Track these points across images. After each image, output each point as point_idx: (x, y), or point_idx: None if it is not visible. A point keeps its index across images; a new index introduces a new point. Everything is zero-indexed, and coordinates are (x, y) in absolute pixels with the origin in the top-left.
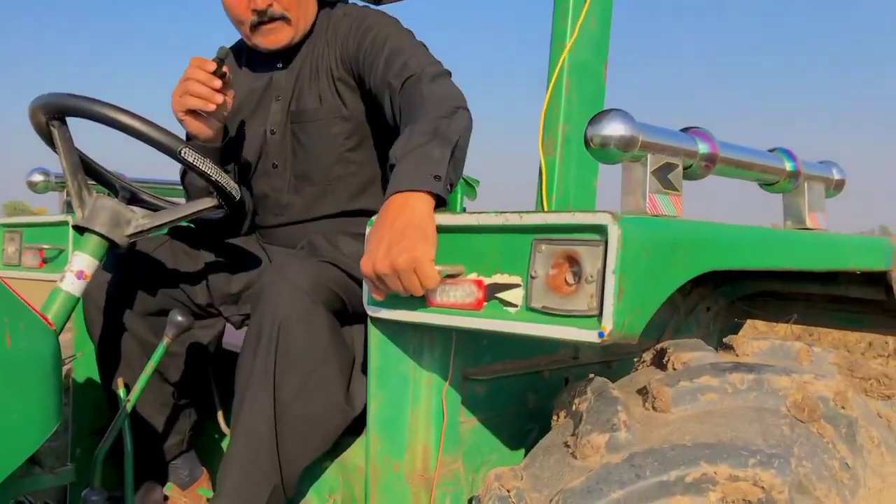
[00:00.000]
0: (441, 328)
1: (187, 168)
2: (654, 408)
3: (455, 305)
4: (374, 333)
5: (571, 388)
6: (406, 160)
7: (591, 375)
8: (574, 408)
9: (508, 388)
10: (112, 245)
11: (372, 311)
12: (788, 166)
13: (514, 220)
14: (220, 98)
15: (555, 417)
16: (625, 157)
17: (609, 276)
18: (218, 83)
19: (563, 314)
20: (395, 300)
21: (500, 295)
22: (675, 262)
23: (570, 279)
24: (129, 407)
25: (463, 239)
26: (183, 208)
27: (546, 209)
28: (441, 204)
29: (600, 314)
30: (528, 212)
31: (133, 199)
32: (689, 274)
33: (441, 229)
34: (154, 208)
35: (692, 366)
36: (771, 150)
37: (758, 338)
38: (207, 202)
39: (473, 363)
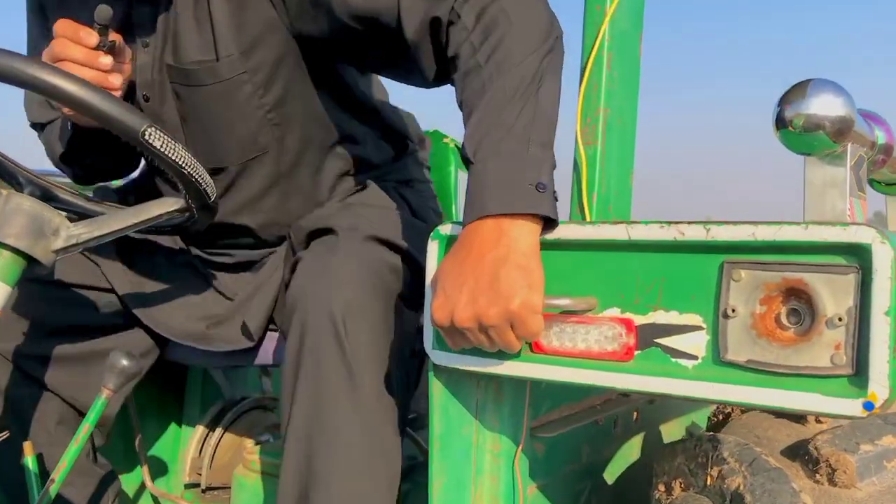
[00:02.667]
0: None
1: (151, 156)
2: (830, 482)
3: (585, 355)
4: (437, 389)
5: (686, 450)
6: (492, 159)
7: (706, 433)
8: (710, 481)
9: (567, 441)
10: (31, 263)
11: (438, 359)
12: None
13: (694, 234)
14: (115, 82)
15: (660, 487)
16: (835, 148)
17: (878, 319)
18: (107, 62)
19: (787, 372)
20: None
21: (665, 341)
22: None
23: (787, 320)
24: (53, 491)
25: (596, 259)
26: (136, 213)
27: (587, 213)
28: (550, 225)
29: (859, 373)
30: (718, 222)
31: (45, 199)
32: None
33: (563, 245)
34: (77, 211)
35: (857, 420)
36: None
37: None
38: (172, 203)
39: (532, 413)
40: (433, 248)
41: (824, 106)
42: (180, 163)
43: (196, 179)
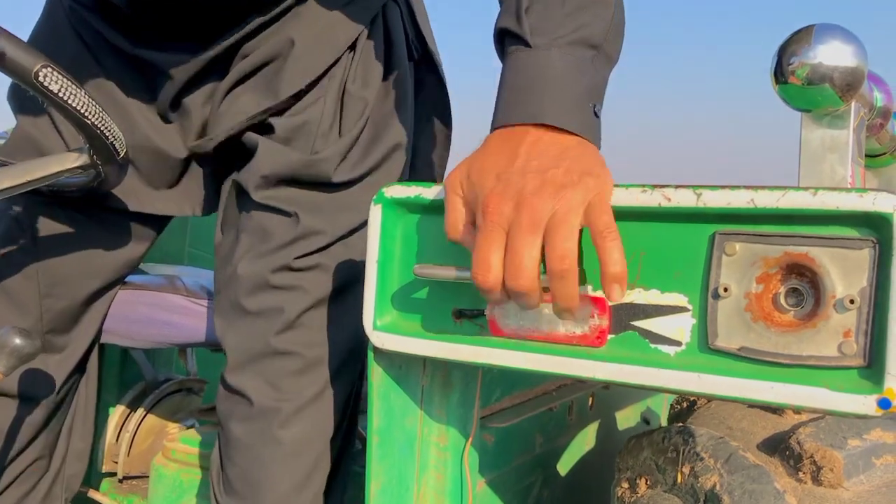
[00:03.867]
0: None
1: (45, 100)
2: (815, 481)
3: (550, 338)
4: (377, 375)
5: (654, 444)
6: (562, 49)
7: (676, 424)
8: (680, 479)
9: (519, 431)
10: None
11: (380, 340)
12: None
13: (682, 200)
14: None
15: (623, 484)
16: (840, 106)
17: None
18: None
19: (787, 362)
20: (423, 321)
21: (643, 324)
22: None
23: (786, 302)
24: None
25: None
26: (29, 169)
27: None
28: None
29: (872, 365)
30: (710, 186)
31: None
32: None
33: None
34: None
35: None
36: None
37: None
38: (73, 159)
39: (483, 401)
40: (375, 215)
41: (833, 55)
42: (82, 110)
43: (101, 131)
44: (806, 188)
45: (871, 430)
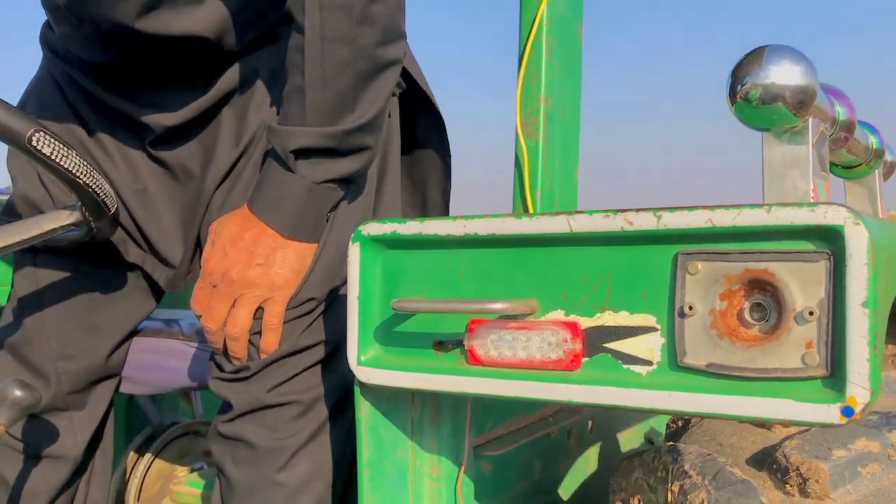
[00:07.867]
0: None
1: (39, 164)
2: (802, 492)
3: (526, 365)
4: (364, 410)
5: (645, 464)
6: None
7: (666, 443)
8: (670, 497)
9: (517, 458)
10: None
11: (365, 376)
12: (874, 142)
13: (643, 223)
14: None
15: None
16: (797, 123)
17: (855, 311)
18: None
19: (753, 376)
20: (405, 354)
21: (615, 346)
22: None
23: (750, 317)
24: None
25: (534, 256)
26: (24, 228)
27: (531, 209)
28: None
29: (835, 374)
30: (669, 208)
31: None
32: None
33: (497, 242)
34: None
35: None
36: None
37: None
38: (66, 216)
39: (476, 430)
40: (354, 253)
41: (783, 75)
42: (74, 171)
43: (94, 189)
44: (761, 205)
45: (855, 439)
